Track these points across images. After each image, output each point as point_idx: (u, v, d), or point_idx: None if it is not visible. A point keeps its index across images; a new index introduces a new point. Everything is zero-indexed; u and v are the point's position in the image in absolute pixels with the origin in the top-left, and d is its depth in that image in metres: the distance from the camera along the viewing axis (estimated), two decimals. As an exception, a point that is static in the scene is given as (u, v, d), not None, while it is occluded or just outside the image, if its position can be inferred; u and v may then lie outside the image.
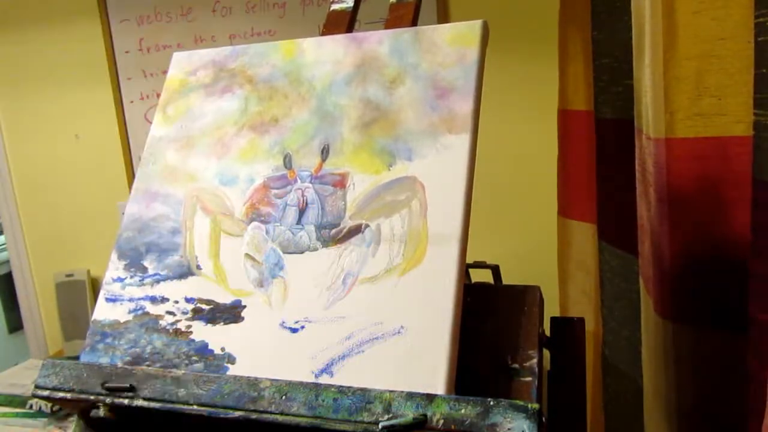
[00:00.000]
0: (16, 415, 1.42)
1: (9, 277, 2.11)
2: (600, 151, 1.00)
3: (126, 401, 0.55)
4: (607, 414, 1.06)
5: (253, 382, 0.52)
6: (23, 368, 1.77)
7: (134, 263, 0.64)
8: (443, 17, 1.56)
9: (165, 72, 0.73)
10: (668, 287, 0.65)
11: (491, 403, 0.47)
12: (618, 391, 1.00)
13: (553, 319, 0.64)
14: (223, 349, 0.57)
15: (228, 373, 0.56)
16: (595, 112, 1.00)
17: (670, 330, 0.65)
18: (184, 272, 0.62)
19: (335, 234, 0.58)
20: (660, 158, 0.63)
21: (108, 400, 0.56)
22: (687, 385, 0.65)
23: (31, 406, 1.42)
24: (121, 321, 0.62)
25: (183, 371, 0.56)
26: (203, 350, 0.58)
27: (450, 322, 0.51)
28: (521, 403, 0.46)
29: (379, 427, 0.47)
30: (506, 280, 0.80)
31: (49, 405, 1.37)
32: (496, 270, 0.80)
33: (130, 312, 0.62)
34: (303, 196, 0.61)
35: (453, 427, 0.46)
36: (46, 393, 0.58)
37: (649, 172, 0.67)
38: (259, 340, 0.56)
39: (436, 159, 0.58)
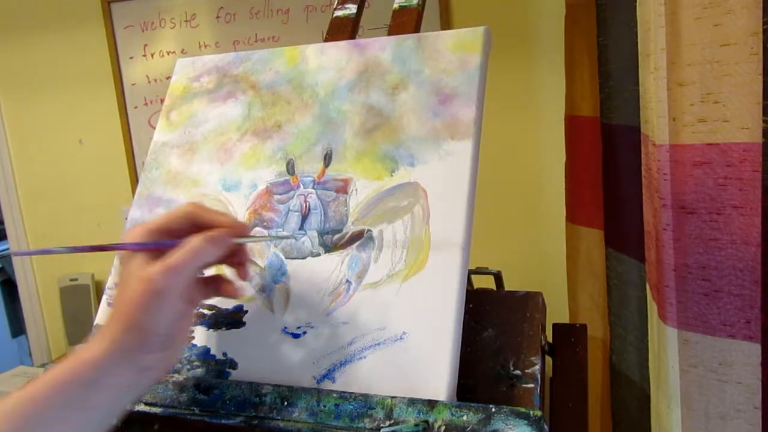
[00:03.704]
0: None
1: (13, 281, 2.12)
2: (606, 157, 1.00)
3: (127, 406, 0.55)
4: (615, 422, 1.05)
5: (255, 388, 0.52)
6: (11, 375, 1.71)
7: (137, 268, 0.64)
8: (446, 24, 1.57)
9: (169, 78, 0.74)
10: (673, 294, 0.65)
11: (493, 409, 0.46)
12: (625, 399, 1.00)
13: (555, 326, 0.64)
14: (224, 354, 0.57)
15: (230, 378, 0.56)
16: (602, 118, 1.00)
17: (675, 337, 0.65)
18: (187, 277, 0.62)
19: (338, 240, 0.58)
20: (664, 164, 0.63)
21: (110, 405, 0.55)
22: (694, 393, 0.65)
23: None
24: (124, 326, 0.62)
25: (184, 376, 0.56)
26: (205, 355, 0.58)
27: (452, 328, 0.51)
28: (523, 409, 0.46)
29: (381, 433, 0.47)
30: (511, 287, 0.80)
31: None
32: (498, 276, 0.80)
33: (132, 317, 0.62)
34: (306, 201, 0.61)
35: (455, 433, 0.46)
36: (48, 398, 0.58)
37: (654, 178, 0.66)
38: (261, 346, 0.56)
39: (439, 165, 0.58)
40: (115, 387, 0.46)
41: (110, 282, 0.65)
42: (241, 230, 0.53)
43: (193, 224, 0.50)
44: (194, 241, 0.48)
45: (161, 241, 0.49)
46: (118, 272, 0.52)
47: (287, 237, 0.54)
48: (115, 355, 0.46)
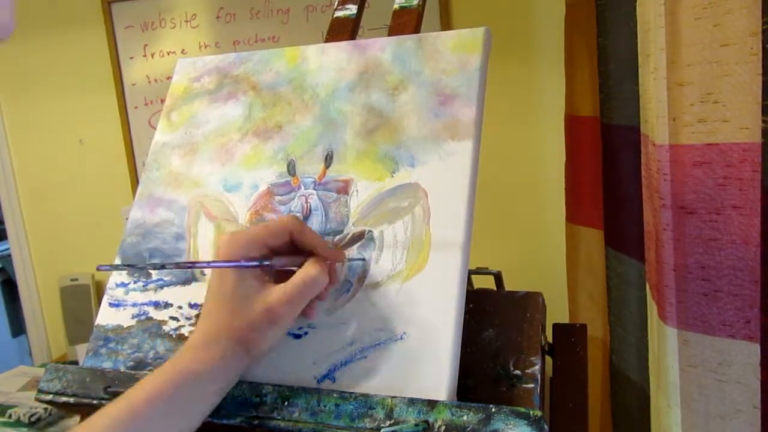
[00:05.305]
0: (-5, 423, 1.36)
1: (14, 280, 2.12)
2: (606, 157, 1.00)
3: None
4: (615, 422, 1.05)
5: (255, 388, 0.53)
6: (11, 375, 1.69)
7: (138, 268, 0.64)
8: (446, 24, 1.57)
9: (169, 78, 0.74)
10: (673, 294, 0.65)
11: (493, 409, 0.47)
12: (625, 399, 1.00)
13: (555, 326, 0.64)
14: (225, 354, 0.57)
15: (231, 378, 0.56)
16: (602, 118, 1.00)
17: (675, 337, 0.65)
18: (189, 278, 0.62)
19: (339, 241, 0.59)
20: (664, 164, 0.63)
21: (111, 405, 0.55)
22: (694, 393, 0.65)
23: (10, 416, 1.36)
24: (125, 326, 0.62)
25: (186, 377, 0.56)
26: (206, 356, 0.58)
27: (452, 328, 0.51)
28: (523, 409, 0.46)
29: (381, 433, 0.47)
30: (511, 287, 0.80)
31: (27, 415, 1.33)
32: (498, 276, 0.80)
33: (133, 317, 0.62)
34: (307, 202, 0.61)
35: (455, 433, 0.46)
36: (49, 397, 0.58)
37: (654, 178, 0.67)
38: (262, 346, 0.56)
39: (439, 165, 0.58)
40: (215, 393, 0.50)
41: (111, 282, 0.65)
42: (340, 258, 0.56)
43: (291, 239, 0.53)
44: (312, 273, 0.51)
45: (264, 261, 0.51)
46: (217, 275, 0.52)
47: (358, 259, 0.57)
48: (221, 369, 0.50)
